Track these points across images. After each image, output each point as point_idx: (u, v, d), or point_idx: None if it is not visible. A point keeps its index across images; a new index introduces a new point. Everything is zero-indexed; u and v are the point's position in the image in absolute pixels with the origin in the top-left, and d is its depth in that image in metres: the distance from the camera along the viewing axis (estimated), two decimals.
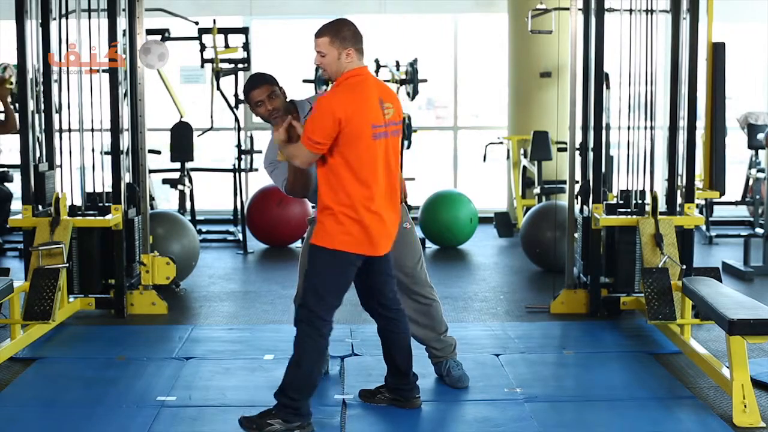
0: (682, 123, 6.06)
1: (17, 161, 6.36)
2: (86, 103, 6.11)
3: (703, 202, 9.02)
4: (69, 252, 5.70)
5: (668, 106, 6.11)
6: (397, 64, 9.58)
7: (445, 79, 11.17)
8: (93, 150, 6.14)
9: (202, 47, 8.79)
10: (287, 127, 3.90)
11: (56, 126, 6.16)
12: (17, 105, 6.10)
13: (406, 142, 9.47)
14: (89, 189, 6.21)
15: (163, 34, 8.46)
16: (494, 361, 5.02)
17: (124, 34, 6.15)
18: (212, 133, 9.34)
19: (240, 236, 8.87)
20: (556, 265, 6.87)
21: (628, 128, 6.25)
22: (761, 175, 9.19)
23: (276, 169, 4.24)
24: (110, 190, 6.09)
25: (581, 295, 6.15)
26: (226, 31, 8.87)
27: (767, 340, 4.23)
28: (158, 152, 9.23)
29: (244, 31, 9.05)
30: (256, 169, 9.20)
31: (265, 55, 11.01)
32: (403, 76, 9.45)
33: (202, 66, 8.92)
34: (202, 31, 8.77)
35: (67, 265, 5.59)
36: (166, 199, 10.60)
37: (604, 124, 6.29)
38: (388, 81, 9.64)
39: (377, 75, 9.66)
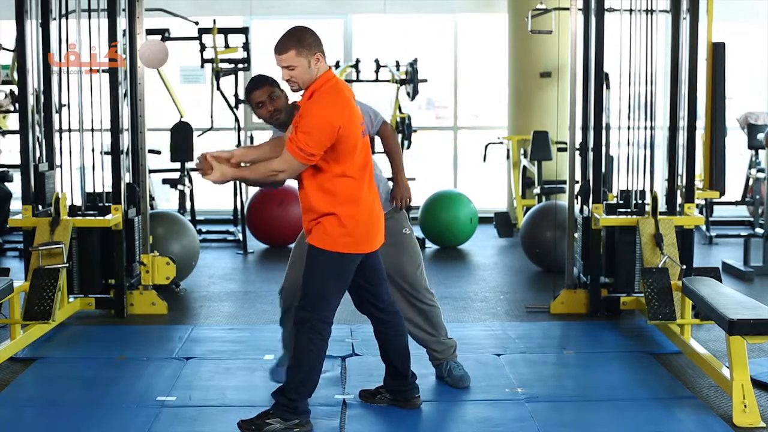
0: (682, 123, 6.06)
1: (17, 161, 6.35)
2: (86, 103, 6.11)
3: (703, 202, 9.02)
4: (69, 252, 5.70)
5: (668, 106, 6.12)
6: (397, 64, 9.58)
7: (445, 79, 11.17)
8: (93, 150, 6.14)
9: (202, 47, 8.80)
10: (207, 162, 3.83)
11: (56, 126, 6.16)
12: (17, 105, 6.10)
13: (406, 142, 9.50)
14: (89, 189, 6.20)
15: (163, 34, 8.46)
16: (495, 361, 5.02)
17: (124, 34, 6.15)
18: (212, 133, 9.34)
19: (240, 236, 8.87)
20: (556, 265, 6.86)
21: (628, 128, 6.25)
22: (761, 175, 9.19)
23: None
24: (110, 190, 6.08)
25: (581, 295, 6.15)
26: (226, 31, 8.88)
27: (767, 340, 4.23)
28: (158, 152, 9.23)
29: (244, 31, 9.05)
30: None
31: (266, 55, 10.99)
32: (403, 76, 9.45)
33: (202, 66, 8.93)
34: (202, 31, 8.77)
35: (67, 265, 5.59)
36: (166, 199, 10.59)
37: (604, 124, 6.29)
38: (388, 81, 9.66)
39: (377, 75, 9.68)
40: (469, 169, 11.32)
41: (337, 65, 9.74)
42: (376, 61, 9.63)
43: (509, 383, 4.62)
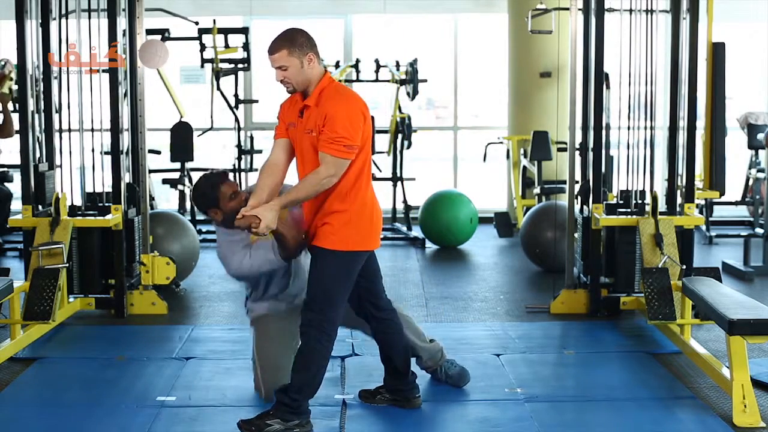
0: (682, 123, 6.06)
1: (17, 161, 6.35)
2: (86, 103, 6.11)
3: (703, 202, 9.02)
4: (69, 252, 5.70)
5: (668, 106, 6.12)
6: (397, 64, 9.59)
7: (445, 79, 11.17)
8: (93, 150, 6.14)
9: (202, 47, 8.80)
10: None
11: (56, 126, 6.16)
12: (17, 105, 6.10)
13: (406, 143, 9.51)
14: (89, 189, 6.20)
15: (163, 34, 8.46)
16: (495, 361, 5.02)
17: (124, 34, 6.15)
18: (212, 133, 9.34)
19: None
20: (556, 265, 6.87)
21: (628, 128, 6.24)
22: (761, 175, 9.19)
23: (251, 261, 4.23)
24: (110, 190, 6.08)
25: (581, 295, 6.15)
26: (226, 31, 8.88)
27: (767, 340, 4.23)
28: (158, 152, 9.23)
29: (244, 31, 9.05)
30: (256, 169, 9.20)
31: (265, 55, 10.98)
32: (403, 76, 9.46)
33: (202, 66, 8.93)
34: (202, 31, 8.78)
35: (67, 265, 5.59)
36: (166, 199, 10.59)
37: (604, 124, 6.29)
38: (388, 81, 9.66)
39: (377, 75, 9.69)
40: (469, 169, 11.31)
41: (337, 65, 9.75)
42: (376, 61, 9.63)
43: (509, 383, 4.62)
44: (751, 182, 9.62)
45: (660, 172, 6.59)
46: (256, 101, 10.00)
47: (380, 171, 9.53)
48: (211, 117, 9.10)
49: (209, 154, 11.11)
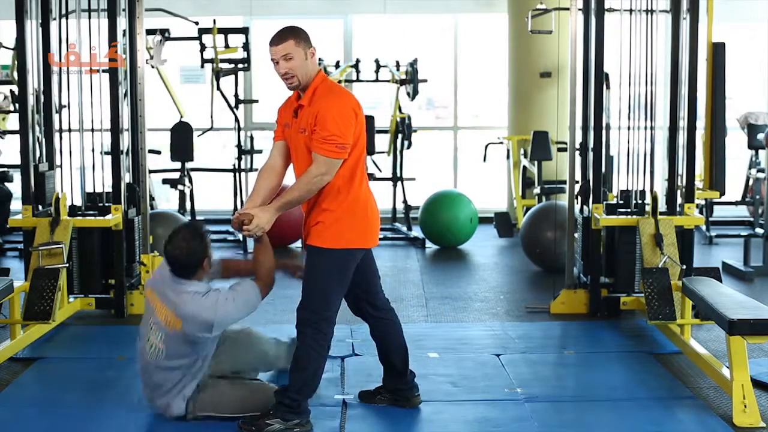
0: (682, 123, 6.06)
1: (17, 161, 6.35)
2: (86, 103, 6.11)
3: (703, 202, 9.02)
4: (69, 252, 5.70)
5: (668, 106, 6.12)
6: (397, 64, 9.59)
7: (445, 79, 11.16)
8: (93, 150, 6.14)
9: (202, 47, 8.80)
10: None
11: (56, 126, 6.16)
12: (17, 105, 6.10)
13: (406, 142, 9.51)
14: (89, 189, 6.20)
15: (163, 34, 8.46)
16: (495, 361, 5.02)
17: (124, 34, 6.15)
18: (212, 133, 9.34)
19: (240, 236, 8.87)
20: (556, 265, 6.86)
21: (628, 128, 6.24)
22: (761, 175, 9.19)
23: (234, 303, 3.94)
24: (110, 190, 6.09)
25: (581, 295, 6.15)
26: (226, 31, 8.88)
27: (767, 340, 4.23)
28: (158, 152, 9.23)
29: (244, 31, 9.06)
30: (256, 169, 9.20)
31: (265, 55, 10.98)
32: (404, 76, 9.47)
33: (202, 66, 8.93)
34: (202, 31, 8.78)
35: (67, 265, 5.59)
36: (166, 199, 10.59)
37: (604, 124, 6.29)
38: (388, 81, 9.67)
39: (377, 75, 9.69)
40: (470, 169, 11.31)
41: (337, 65, 9.76)
42: (376, 61, 9.64)
43: (509, 383, 4.62)
44: (751, 182, 9.62)
45: (660, 172, 6.58)
46: (256, 101, 10.00)
47: (380, 171, 9.53)
48: (211, 117, 9.10)
49: (209, 154, 11.11)
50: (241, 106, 9.21)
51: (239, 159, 9.10)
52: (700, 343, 4.98)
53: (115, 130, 6.01)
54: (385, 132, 9.59)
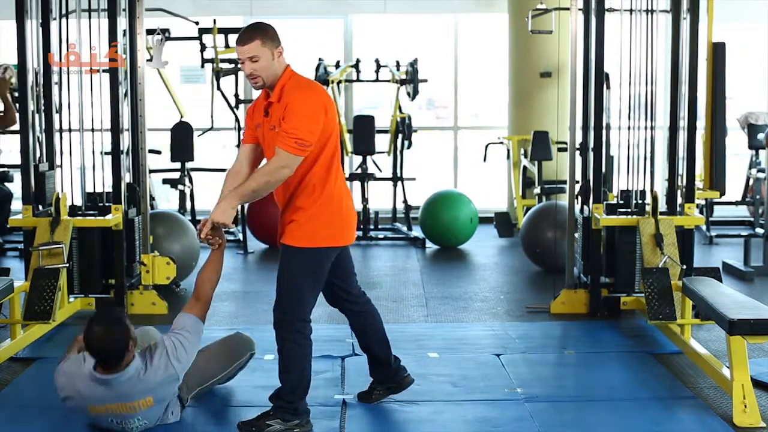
0: (683, 123, 6.06)
1: (17, 161, 6.35)
2: (86, 103, 6.11)
3: (703, 202, 9.02)
4: (69, 252, 5.70)
5: (668, 106, 6.11)
6: (398, 64, 9.59)
7: (445, 79, 11.17)
8: (93, 150, 6.14)
9: (203, 47, 8.80)
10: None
11: (56, 126, 6.16)
12: (17, 105, 6.10)
13: (406, 142, 9.51)
14: (89, 189, 6.20)
15: (164, 33, 8.46)
16: (495, 361, 5.02)
17: (124, 34, 6.15)
18: (212, 133, 9.34)
19: (240, 236, 8.87)
20: (556, 265, 6.86)
21: (629, 128, 6.24)
22: (761, 175, 9.19)
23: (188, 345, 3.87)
24: (110, 190, 6.09)
25: (581, 295, 6.15)
26: (226, 31, 8.87)
27: (767, 340, 4.23)
28: (158, 152, 9.23)
29: None
30: None
31: None
32: (404, 76, 9.47)
33: (203, 66, 8.93)
34: (203, 31, 8.77)
35: (68, 265, 5.59)
36: (166, 199, 10.60)
37: (604, 124, 6.29)
38: (388, 81, 9.67)
39: (377, 75, 9.70)
40: (470, 169, 11.31)
41: (337, 65, 9.76)
42: (377, 61, 9.64)
43: (509, 383, 4.62)
44: (751, 182, 9.62)
45: (660, 172, 6.59)
46: None
47: (381, 171, 9.53)
48: (212, 117, 9.10)
49: (209, 154, 11.11)
50: (242, 106, 9.20)
51: None
52: (700, 343, 4.97)
53: (116, 130, 6.01)
54: (386, 132, 9.60)
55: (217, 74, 8.77)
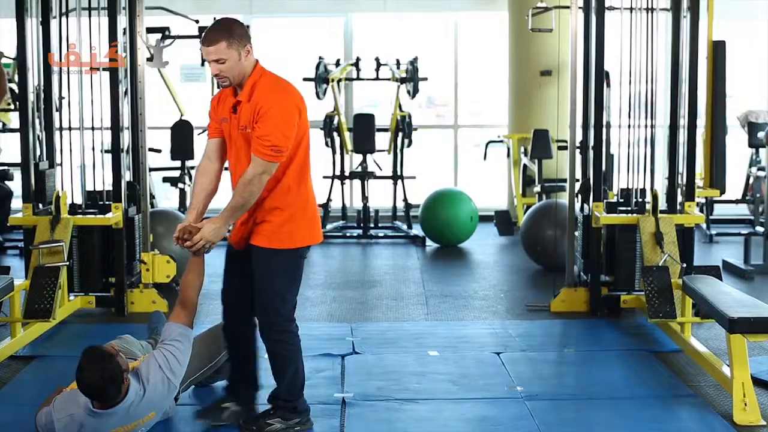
0: (683, 121, 6.06)
1: (18, 159, 6.35)
2: (86, 102, 6.11)
3: (703, 201, 9.01)
4: (69, 250, 5.70)
5: (669, 105, 6.11)
6: (398, 63, 9.59)
7: (445, 78, 11.15)
8: (93, 148, 6.14)
9: None
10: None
11: (56, 124, 6.16)
12: (17, 103, 6.10)
13: (406, 141, 9.51)
14: (89, 187, 6.21)
15: (164, 32, 8.45)
16: (495, 359, 5.02)
17: (124, 33, 6.15)
18: None
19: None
20: (556, 264, 6.86)
21: (629, 126, 6.24)
22: (761, 173, 9.18)
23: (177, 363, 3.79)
24: (110, 188, 6.09)
25: (582, 294, 6.14)
26: None
27: (767, 338, 4.23)
28: (159, 151, 9.22)
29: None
30: None
31: (266, 53, 10.99)
32: (404, 75, 9.46)
33: (203, 64, 8.91)
34: (203, 30, 8.75)
35: (68, 263, 5.60)
36: (166, 198, 10.58)
37: (604, 123, 6.29)
38: (388, 79, 9.66)
39: (377, 73, 9.69)
40: (470, 167, 11.31)
41: (337, 63, 9.75)
42: (377, 59, 9.63)
43: (509, 381, 4.62)
44: (751, 180, 9.61)
45: (660, 170, 6.58)
46: None
47: (381, 169, 9.53)
48: None
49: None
50: None
51: None
52: (700, 342, 4.98)
53: (116, 129, 6.01)
54: (386, 130, 9.59)
55: None
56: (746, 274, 7.25)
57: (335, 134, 9.48)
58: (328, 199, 9.51)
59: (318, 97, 9.41)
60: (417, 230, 9.20)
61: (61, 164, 6.20)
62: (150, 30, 7.43)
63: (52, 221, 5.71)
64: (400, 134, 9.50)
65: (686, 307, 5.24)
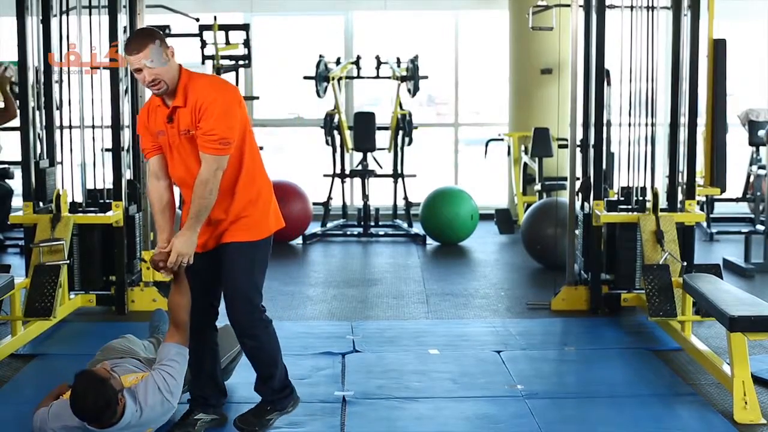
0: (683, 120, 6.06)
1: (18, 158, 6.35)
2: (87, 100, 6.11)
3: (703, 199, 9.01)
4: (70, 249, 5.70)
5: (669, 103, 6.11)
6: (398, 61, 9.59)
7: (445, 76, 11.16)
8: (94, 147, 6.14)
9: (203, 44, 8.80)
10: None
11: (57, 123, 6.16)
12: (18, 101, 6.10)
13: (407, 139, 9.51)
14: (90, 186, 6.21)
15: (164, 30, 8.46)
16: (495, 357, 5.02)
17: (124, 31, 6.15)
18: None
19: None
20: (556, 262, 6.87)
21: (629, 125, 6.24)
22: (762, 171, 9.18)
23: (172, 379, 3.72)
24: (111, 186, 6.09)
25: (582, 292, 6.15)
26: (226, 28, 8.88)
27: None
28: None
29: (245, 27, 9.05)
30: None
31: (266, 51, 11.01)
32: (404, 73, 9.46)
33: (203, 63, 8.92)
34: (203, 28, 8.77)
35: (68, 261, 5.60)
36: None
37: (604, 121, 6.28)
38: (388, 78, 9.66)
39: (378, 72, 9.69)
40: (470, 165, 11.31)
41: (337, 62, 9.75)
42: (377, 57, 9.63)
43: (509, 380, 4.62)
44: (752, 179, 9.61)
45: (661, 168, 6.58)
46: (257, 98, 9.99)
47: (381, 168, 9.53)
48: None
49: None
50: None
51: None
52: (700, 340, 4.98)
53: (116, 127, 6.01)
54: (386, 129, 9.59)
55: (218, 71, 8.77)
56: (747, 273, 7.26)
57: (336, 132, 9.48)
58: (329, 198, 9.51)
59: (318, 96, 9.41)
60: (417, 228, 9.20)
61: (61, 163, 6.20)
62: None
63: (53, 220, 5.71)
64: (401, 132, 9.50)
65: (687, 305, 5.24)
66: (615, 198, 6.24)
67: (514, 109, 10.40)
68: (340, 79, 9.71)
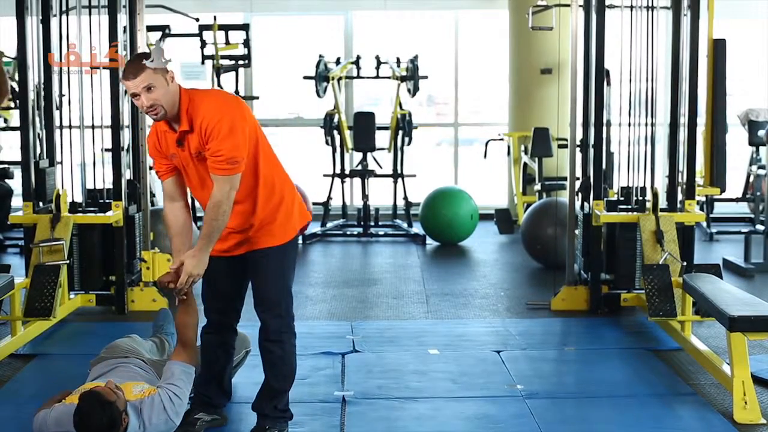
0: (683, 120, 6.06)
1: (18, 158, 6.36)
2: (87, 100, 6.11)
3: (703, 199, 9.01)
4: (69, 249, 5.70)
5: (669, 103, 6.11)
6: (398, 61, 9.59)
7: (445, 76, 11.16)
8: (94, 147, 6.15)
9: (203, 44, 8.80)
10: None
11: (57, 123, 6.16)
12: (18, 102, 6.11)
13: (406, 139, 9.52)
14: (90, 186, 6.21)
15: (164, 30, 8.46)
16: (495, 357, 5.02)
17: (124, 31, 6.15)
18: None
19: None
20: (556, 262, 6.86)
21: (629, 125, 6.24)
22: (762, 171, 9.18)
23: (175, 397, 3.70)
24: (111, 186, 6.09)
25: (582, 292, 6.15)
26: (226, 28, 8.88)
27: (767, 336, 4.23)
28: None
29: (245, 27, 9.05)
30: None
31: (266, 51, 11.01)
32: (404, 73, 9.47)
33: (203, 63, 8.92)
34: (203, 28, 8.77)
35: (68, 261, 5.60)
36: None
37: (604, 121, 6.29)
38: (388, 78, 9.66)
39: (378, 72, 9.70)
40: (470, 165, 11.32)
41: (337, 62, 9.75)
42: (377, 57, 9.63)
43: (509, 380, 4.62)
44: (751, 179, 9.61)
45: (661, 168, 6.58)
46: (257, 98, 9.99)
47: (381, 168, 9.53)
48: None
49: None
50: None
51: None
52: (700, 340, 4.97)
53: (116, 127, 6.01)
54: (386, 129, 9.59)
55: (218, 71, 8.77)
56: (746, 273, 7.26)
57: (335, 132, 9.48)
58: (329, 198, 9.52)
59: (318, 96, 9.42)
60: (417, 228, 9.20)
61: (61, 162, 6.20)
62: (150, 28, 7.43)
63: (53, 219, 5.71)
64: (401, 132, 9.50)
65: (686, 305, 5.24)
66: (615, 198, 6.24)
67: (513, 109, 10.40)
68: (340, 79, 9.71)
